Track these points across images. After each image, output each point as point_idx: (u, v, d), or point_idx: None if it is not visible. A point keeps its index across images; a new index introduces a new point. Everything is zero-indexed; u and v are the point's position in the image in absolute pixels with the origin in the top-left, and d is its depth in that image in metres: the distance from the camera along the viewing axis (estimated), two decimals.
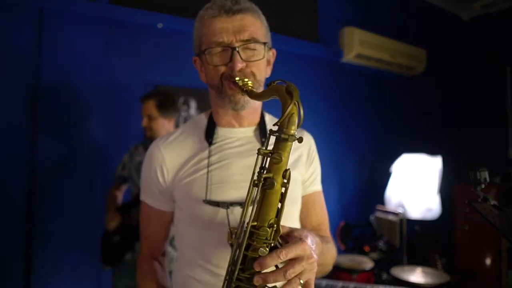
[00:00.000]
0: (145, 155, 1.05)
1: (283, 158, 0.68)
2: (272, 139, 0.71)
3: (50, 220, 2.17)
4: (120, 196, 2.24)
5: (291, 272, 0.65)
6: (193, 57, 0.99)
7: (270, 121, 1.06)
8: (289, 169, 0.69)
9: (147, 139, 2.18)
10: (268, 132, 0.71)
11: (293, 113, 0.67)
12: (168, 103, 2.17)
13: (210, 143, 0.97)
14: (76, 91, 2.28)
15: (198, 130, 1.02)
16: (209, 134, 0.99)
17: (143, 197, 1.06)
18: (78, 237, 2.23)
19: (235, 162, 0.96)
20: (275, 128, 0.70)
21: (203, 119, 1.04)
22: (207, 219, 0.93)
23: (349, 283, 2.26)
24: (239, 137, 1.00)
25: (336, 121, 3.50)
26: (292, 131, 0.67)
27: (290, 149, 0.69)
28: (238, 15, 0.88)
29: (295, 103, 0.67)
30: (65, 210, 2.21)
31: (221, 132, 1.00)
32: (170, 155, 0.99)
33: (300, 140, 0.68)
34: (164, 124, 2.13)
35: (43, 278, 2.15)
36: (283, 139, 0.68)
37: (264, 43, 0.92)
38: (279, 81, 0.73)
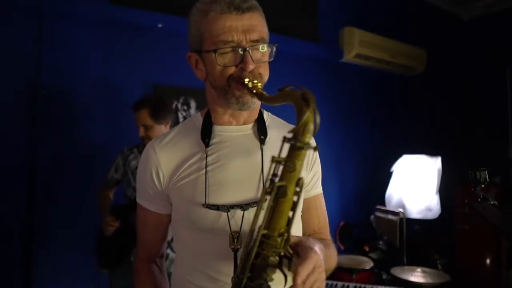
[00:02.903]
0: (141, 157, 1.02)
1: (297, 167, 0.66)
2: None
3: (49, 220, 2.17)
4: (111, 198, 2.21)
5: (307, 286, 0.67)
6: (188, 53, 0.95)
7: (269, 119, 1.03)
8: (302, 177, 0.68)
9: (142, 142, 2.15)
10: (282, 139, 0.69)
11: (309, 121, 0.66)
12: (161, 109, 2.10)
13: (207, 144, 0.94)
14: (76, 91, 2.28)
15: (194, 130, 0.98)
16: (206, 134, 0.95)
17: (139, 200, 1.04)
18: (78, 237, 2.23)
19: (232, 162, 0.93)
20: (290, 135, 0.68)
21: (199, 118, 1.00)
22: (207, 223, 0.90)
23: (349, 283, 2.26)
24: (236, 135, 0.97)
25: (336, 121, 3.50)
26: (307, 139, 0.66)
27: (304, 157, 0.67)
28: (247, 14, 0.85)
29: (311, 111, 0.66)
30: (65, 210, 2.21)
31: (218, 131, 0.96)
32: (166, 157, 0.95)
33: (316, 148, 0.67)
34: (161, 130, 2.07)
35: (43, 278, 2.15)
36: (298, 147, 0.66)
37: (270, 43, 0.90)
38: (293, 86, 0.71)
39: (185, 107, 2.63)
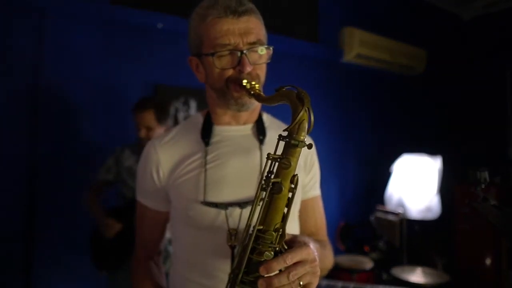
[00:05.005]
0: (141, 155, 1.04)
1: (292, 164, 0.68)
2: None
3: (49, 221, 2.17)
4: (98, 201, 2.16)
5: (294, 274, 0.66)
6: (189, 57, 0.97)
7: (268, 120, 1.05)
8: (297, 174, 0.70)
9: (137, 142, 2.14)
10: (278, 137, 0.71)
11: (304, 119, 0.68)
12: (165, 111, 2.12)
13: (206, 143, 0.96)
14: (76, 91, 2.28)
15: (194, 129, 1.01)
16: (206, 134, 0.97)
17: (139, 197, 1.06)
18: (78, 238, 2.23)
19: (231, 161, 0.95)
20: (285, 133, 0.70)
21: (199, 118, 1.03)
22: (205, 221, 0.92)
23: (349, 283, 2.26)
24: (236, 135, 0.99)
25: (336, 121, 3.50)
26: (302, 137, 0.68)
27: (299, 155, 0.69)
28: (244, 17, 0.87)
29: (306, 110, 0.68)
30: (65, 210, 2.21)
31: (218, 131, 0.99)
32: (166, 155, 0.98)
33: (310, 146, 0.70)
34: (160, 132, 2.08)
35: (43, 278, 2.15)
36: (292, 145, 0.68)
37: (267, 46, 0.91)
38: (289, 86, 0.73)
39: (185, 107, 2.63)
